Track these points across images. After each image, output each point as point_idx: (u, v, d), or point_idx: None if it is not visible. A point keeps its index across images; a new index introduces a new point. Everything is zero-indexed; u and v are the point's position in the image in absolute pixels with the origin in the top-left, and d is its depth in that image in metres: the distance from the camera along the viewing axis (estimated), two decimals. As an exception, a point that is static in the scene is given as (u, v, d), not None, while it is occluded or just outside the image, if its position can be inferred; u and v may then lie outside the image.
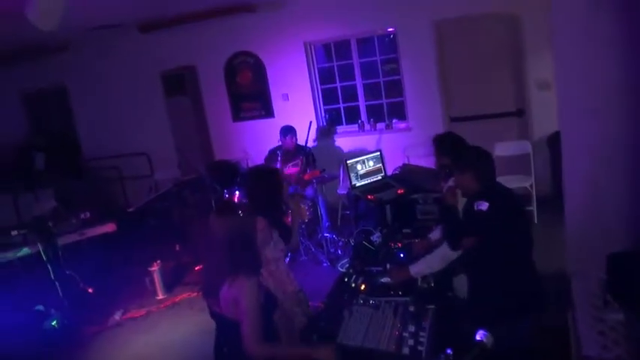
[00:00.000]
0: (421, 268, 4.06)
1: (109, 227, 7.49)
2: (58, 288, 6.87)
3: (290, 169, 7.94)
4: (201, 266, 7.24)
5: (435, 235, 4.70)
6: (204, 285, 3.37)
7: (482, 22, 8.18)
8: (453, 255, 4.02)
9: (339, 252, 7.43)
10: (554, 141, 7.18)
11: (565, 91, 4.62)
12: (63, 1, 4.98)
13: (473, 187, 3.78)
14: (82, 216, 7.56)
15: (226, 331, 3.29)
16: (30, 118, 12.12)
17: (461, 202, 4.05)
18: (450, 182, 4.19)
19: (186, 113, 10.06)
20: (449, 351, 2.32)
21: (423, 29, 8.39)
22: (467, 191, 3.87)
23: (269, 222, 4.05)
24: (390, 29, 8.84)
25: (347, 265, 4.79)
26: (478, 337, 2.34)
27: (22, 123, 12.00)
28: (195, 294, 6.84)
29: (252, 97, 9.89)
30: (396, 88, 9.17)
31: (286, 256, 4.58)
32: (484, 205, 3.57)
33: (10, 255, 6.88)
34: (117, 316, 6.73)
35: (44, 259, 6.80)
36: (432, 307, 3.50)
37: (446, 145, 4.74)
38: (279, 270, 4.23)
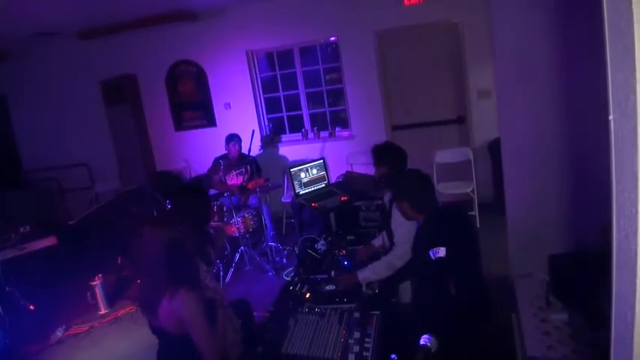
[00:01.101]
0: (368, 274, 4.11)
1: (50, 241, 7.26)
2: (-4, 305, 6.68)
3: (233, 179, 7.88)
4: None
5: (378, 241, 4.72)
6: (141, 300, 3.25)
7: (423, 31, 8.30)
8: (399, 263, 4.05)
9: (284, 261, 7.39)
10: (494, 147, 7.30)
11: (504, 97, 4.68)
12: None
13: (411, 215, 3.84)
14: (22, 230, 7.32)
15: (168, 345, 3.21)
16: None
17: (409, 225, 4.06)
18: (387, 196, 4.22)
19: (126, 123, 9.89)
20: (393, 356, 2.30)
21: (364, 38, 8.46)
22: (407, 217, 3.91)
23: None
24: (332, 38, 8.87)
25: (292, 274, 4.76)
26: (422, 342, 2.34)
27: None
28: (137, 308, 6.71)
29: (194, 106, 9.80)
30: (338, 96, 9.21)
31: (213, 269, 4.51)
32: (441, 252, 3.49)
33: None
34: (59, 333, 6.52)
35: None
36: (377, 313, 3.49)
37: (383, 156, 4.77)
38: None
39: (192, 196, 4.33)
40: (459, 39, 8.09)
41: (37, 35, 8.86)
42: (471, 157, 7.83)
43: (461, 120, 8.45)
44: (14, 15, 5.12)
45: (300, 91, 9.36)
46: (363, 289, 3.95)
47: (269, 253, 7.36)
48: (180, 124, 9.97)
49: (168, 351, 3.22)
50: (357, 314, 3.52)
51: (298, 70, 9.26)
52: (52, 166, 10.60)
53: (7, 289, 6.84)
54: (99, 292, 6.94)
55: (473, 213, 7.59)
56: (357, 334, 3.28)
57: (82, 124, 10.37)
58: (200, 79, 9.62)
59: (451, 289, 3.51)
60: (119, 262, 7.50)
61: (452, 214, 3.93)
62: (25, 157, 11.23)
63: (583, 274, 3.34)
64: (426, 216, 3.77)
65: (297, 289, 4.09)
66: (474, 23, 7.74)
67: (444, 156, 7.93)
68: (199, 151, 9.60)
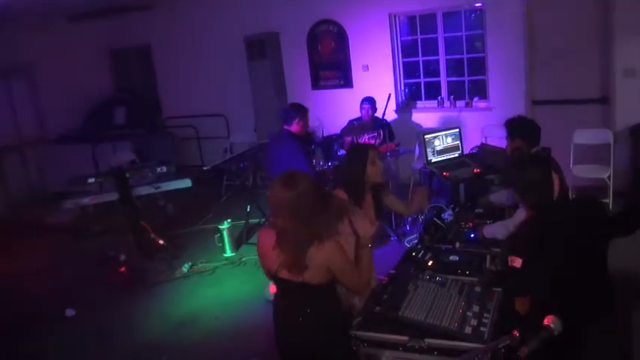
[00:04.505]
0: (489, 229, 4.23)
1: (184, 183, 7.64)
2: (131, 235, 7.20)
3: (366, 141, 7.88)
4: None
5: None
6: (287, 263, 3.20)
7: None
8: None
9: (407, 227, 7.41)
10: (637, 132, 6.94)
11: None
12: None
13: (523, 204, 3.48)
14: (159, 170, 7.72)
15: (309, 296, 3.23)
16: (115, 73, 12.53)
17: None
18: None
19: (266, 78, 10.10)
20: (516, 333, 2.27)
21: (512, 5, 8.14)
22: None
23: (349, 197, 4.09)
24: (478, 4, 8.63)
25: (415, 241, 4.76)
26: (546, 322, 2.30)
27: (108, 78, 12.43)
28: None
29: (332, 66, 9.89)
30: (479, 65, 8.99)
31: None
32: (517, 262, 3.12)
33: (86, 201, 7.16)
34: (184, 269, 6.95)
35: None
36: (499, 290, 3.44)
37: (517, 130, 4.65)
38: (347, 245, 4.23)
39: (352, 152, 4.45)
40: (610, 10, 7.56)
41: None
42: (611, 140, 7.43)
43: (604, 100, 8.01)
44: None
45: (441, 57, 9.20)
46: (487, 264, 3.89)
47: (392, 219, 7.39)
48: (317, 83, 10.10)
49: (309, 302, 3.24)
50: (478, 288, 3.47)
51: (440, 35, 9.08)
52: (191, 114, 11.07)
53: (140, 222, 7.30)
54: (226, 236, 7.24)
55: (607, 200, 7.24)
56: (475, 308, 3.23)
57: (223, 77, 10.74)
58: (340, 40, 9.67)
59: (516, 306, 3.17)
60: (248, 210, 7.74)
61: (565, 220, 3.30)
62: (165, 104, 11.86)
63: None
64: (535, 214, 3.33)
65: (419, 255, 4.09)
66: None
67: (583, 136, 7.59)
68: (333, 111, 9.66)
